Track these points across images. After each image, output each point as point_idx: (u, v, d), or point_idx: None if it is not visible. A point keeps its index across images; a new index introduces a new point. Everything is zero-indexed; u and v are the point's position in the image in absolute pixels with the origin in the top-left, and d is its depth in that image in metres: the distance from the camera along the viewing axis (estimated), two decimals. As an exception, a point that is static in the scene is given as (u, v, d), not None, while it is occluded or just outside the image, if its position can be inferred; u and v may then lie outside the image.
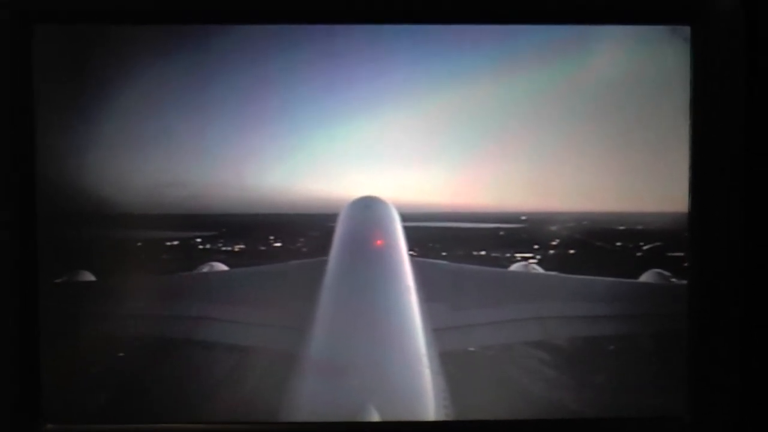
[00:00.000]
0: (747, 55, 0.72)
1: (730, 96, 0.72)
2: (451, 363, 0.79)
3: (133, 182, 0.76)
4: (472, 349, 0.81)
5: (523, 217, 0.81)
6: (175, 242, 0.80)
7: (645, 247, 0.81)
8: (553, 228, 0.80)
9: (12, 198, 0.72)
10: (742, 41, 0.72)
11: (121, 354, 0.77)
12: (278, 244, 0.81)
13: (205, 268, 0.83)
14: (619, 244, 0.83)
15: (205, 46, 0.76)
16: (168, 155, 0.77)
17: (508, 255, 0.84)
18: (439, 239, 0.83)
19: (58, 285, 0.75)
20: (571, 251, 0.81)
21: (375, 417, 0.75)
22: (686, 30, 0.73)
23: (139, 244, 0.78)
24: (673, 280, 0.76)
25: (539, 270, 0.82)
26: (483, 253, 0.84)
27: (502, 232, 0.83)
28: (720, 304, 0.73)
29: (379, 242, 0.88)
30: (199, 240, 0.82)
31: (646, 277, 0.80)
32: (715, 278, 0.73)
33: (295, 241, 0.81)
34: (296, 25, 0.76)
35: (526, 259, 0.83)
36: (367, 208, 0.79)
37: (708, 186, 0.73)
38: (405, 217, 0.81)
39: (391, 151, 0.78)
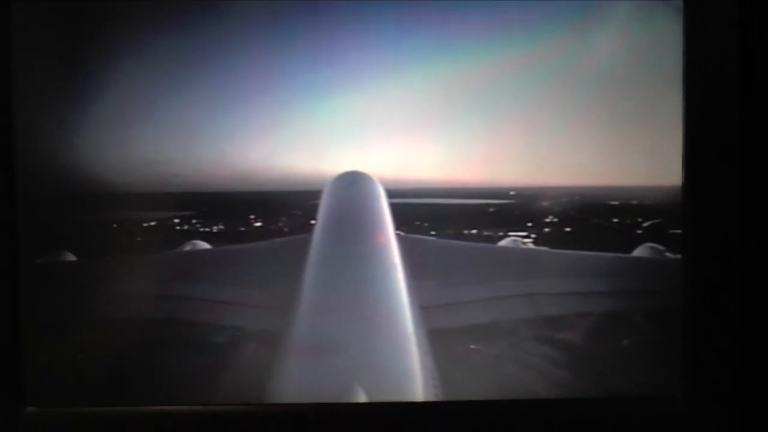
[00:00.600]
0: (741, 26, 0.71)
1: (724, 67, 0.70)
2: (439, 342, 0.78)
3: (114, 160, 0.75)
4: (460, 326, 0.79)
5: (512, 192, 0.79)
6: (152, 223, 0.79)
7: (645, 224, 0.79)
8: (545, 204, 0.79)
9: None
10: (736, 11, 0.71)
11: (102, 335, 0.76)
12: (259, 224, 0.80)
13: (188, 247, 0.82)
14: (616, 220, 0.81)
15: (190, 21, 0.75)
16: (150, 133, 0.75)
17: (500, 234, 0.82)
18: (427, 217, 0.81)
19: (39, 265, 0.74)
20: (567, 229, 0.79)
21: (362, 397, 0.73)
22: (679, 3, 0.72)
23: (120, 223, 0.77)
24: (668, 254, 0.74)
25: (529, 245, 0.80)
26: (474, 231, 0.82)
27: (492, 209, 0.81)
28: (715, 279, 0.71)
29: (359, 208, 0.86)
30: (176, 221, 0.81)
31: (639, 252, 0.78)
32: (710, 253, 0.71)
33: (276, 220, 0.80)
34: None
35: (520, 237, 0.81)
36: (352, 183, 0.78)
37: (702, 159, 0.71)
38: (391, 194, 0.79)
39: (376, 126, 0.76)
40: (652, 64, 0.74)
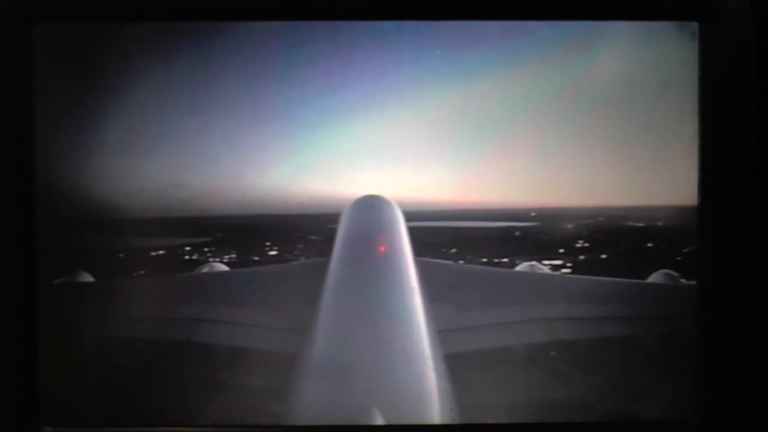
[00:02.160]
0: (755, 51, 0.71)
1: (738, 91, 0.71)
2: (456, 365, 0.78)
3: (134, 183, 0.75)
4: (476, 350, 0.80)
5: (533, 213, 0.79)
6: (161, 252, 0.78)
7: (685, 251, 0.78)
8: (570, 226, 0.78)
9: (11, 199, 0.71)
10: (751, 37, 0.71)
11: (120, 356, 0.76)
12: (274, 252, 0.79)
13: (206, 269, 0.82)
14: (650, 245, 0.80)
15: (207, 45, 0.75)
16: (169, 156, 0.76)
17: (533, 262, 0.81)
18: (452, 243, 0.81)
19: (57, 286, 0.74)
20: (603, 256, 0.78)
21: (379, 420, 0.73)
22: (694, 26, 0.72)
23: (139, 246, 0.77)
24: (682, 280, 0.75)
25: (545, 270, 0.81)
26: (505, 260, 0.81)
27: (517, 233, 0.81)
28: (729, 305, 0.71)
29: (382, 248, 0.86)
30: (188, 248, 0.80)
31: (654, 278, 0.79)
32: (725, 279, 0.71)
33: (292, 248, 0.79)
34: (298, 23, 0.75)
35: (556, 267, 0.80)
36: (371, 207, 0.78)
37: (717, 184, 0.71)
38: (410, 216, 0.79)
39: (394, 150, 0.76)
40: (668, 86, 0.75)
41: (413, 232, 0.80)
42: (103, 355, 0.75)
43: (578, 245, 0.79)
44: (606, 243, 0.79)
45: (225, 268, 0.84)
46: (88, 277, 0.76)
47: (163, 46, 0.75)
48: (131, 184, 0.75)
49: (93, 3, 0.72)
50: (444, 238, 0.83)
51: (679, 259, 0.77)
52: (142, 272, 0.77)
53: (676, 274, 0.77)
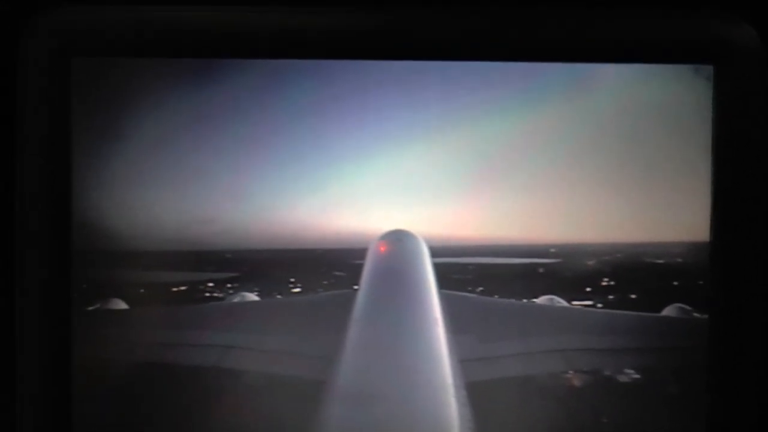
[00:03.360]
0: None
1: (752, 132, 0.73)
2: (477, 394, 0.81)
3: (165, 218, 0.77)
4: (497, 379, 0.82)
5: (552, 250, 0.82)
6: (182, 288, 0.80)
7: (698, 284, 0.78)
8: (591, 262, 0.80)
9: (50, 229, 0.73)
10: (765, 78, 0.73)
11: (150, 382, 0.78)
12: (297, 290, 0.81)
13: (236, 298, 0.85)
14: (675, 283, 0.82)
15: (239, 80, 0.77)
16: (197, 190, 0.77)
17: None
18: (477, 281, 0.83)
19: (91, 312, 0.76)
20: (633, 296, 0.80)
21: (401, 445, 0.76)
22: (709, 69, 0.75)
23: (167, 279, 0.79)
24: (695, 314, 0.78)
25: (563, 303, 0.83)
26: (535, 300, 0.84)
27: (541, 269, 0.83)
28: (741, 339, 0.74)
29: (403, 264, 0.88)
30: (210, 284, 0.82)
31: (668, 312, 0.82)
32: (737, 314, 0.74)
33: (317, 285, 0.81)
34: (328, 60, 0.77)
35: (586, 307, 0.82)
36: (398, 241, 0.80)
37: (728, 221, 0.74)
38: (435, 252, 0.82)
39: (420, 187, 0.79)
40: (682, 127, 0.77)
41: (439, 268, 0.83)
42: (134, 381, 0.77)
43: (603, 284, 0.80)
44: (632, 281, 0.80)
45: (255, 297, 0.86)
46: (122, 305, 0.78)
47: (196, 80, 0.77)
48: (165, 219, 0.77)
49: (129, 38, 0.74)
50: (469, 275, 0.85)
51: (691, 293, 0.79)
52: (174, 300, 0.79)
53: (689, 308, 0.79)
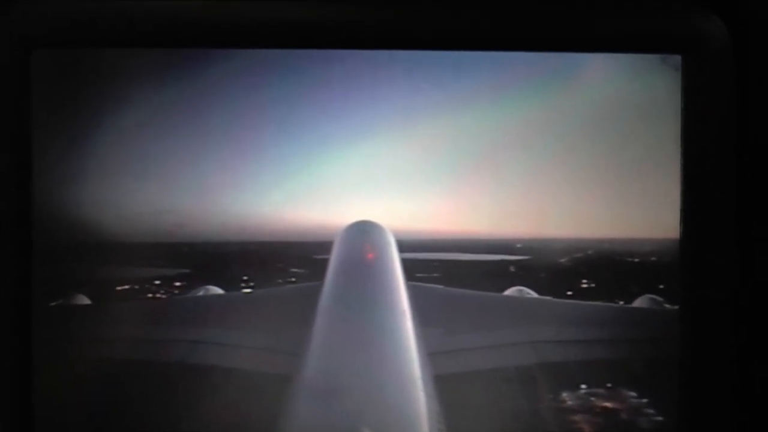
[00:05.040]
0: (737, 84, 0.73)
1: (720, 123, 0.73)
2: (445, 386, 0.80)
3: (125, 210, 0.76)
4: (465, 372, 0.81)
5: (519, 245, 0.81)
6: (126, 287, 0.79)
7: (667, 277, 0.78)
8: (563, 260, 0.79)
9: (9, 223, 0.72)
10: (732, 70, 0.73)
11: (114, 378, 0.77)
12: (248, 291, 0.79)
13: (201, 292, 0.84)
14: (661, 286, 0.80)
15: (202, 72, 0.76)
16: (161, 184, 0.77)
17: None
18: (449, 276, 0.82)
19: (53, 308, 0.75)
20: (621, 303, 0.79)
21: (369, 440, 0.75)
22: (677, 59, 0.74)
23: (128, 271, 0.77)
24: (666, 305, 0.77)
25: (533, 294, 0.83)
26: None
27: (512, 267, 0.82)
28: (711, 330, 0.73)
29: (370, 255, 0.87)
30: (157, 282, 0.80)
31: (639, 303, 0.81)
32: (707, 304, 0.73)
33: (271, 280, 0.79)
34: (292, 51, 0.76)
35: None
36: (363, 232, 0.80)
37: (698, 214, 0.73)
38: (401, 246, 0.81)
39: (385, 178, 0.78)
40: (650, 118, 0.77)
41: (405, 265, 0.82)
42: (98, 378, 0.76)
43: (583, 285, 0.79)
44: (610, 281, 0.79)
45: (220, 291, 0.85)
46: (85, 300, 0.77)
47: (158, 72, 0.76)
48: (125, 211, 0.76)
49: (90, 28, 0.73)
50: (436, 272, 0.84)
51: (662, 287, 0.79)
52: (137, 294, 0.78)
53: (660, 299, 0.79)
